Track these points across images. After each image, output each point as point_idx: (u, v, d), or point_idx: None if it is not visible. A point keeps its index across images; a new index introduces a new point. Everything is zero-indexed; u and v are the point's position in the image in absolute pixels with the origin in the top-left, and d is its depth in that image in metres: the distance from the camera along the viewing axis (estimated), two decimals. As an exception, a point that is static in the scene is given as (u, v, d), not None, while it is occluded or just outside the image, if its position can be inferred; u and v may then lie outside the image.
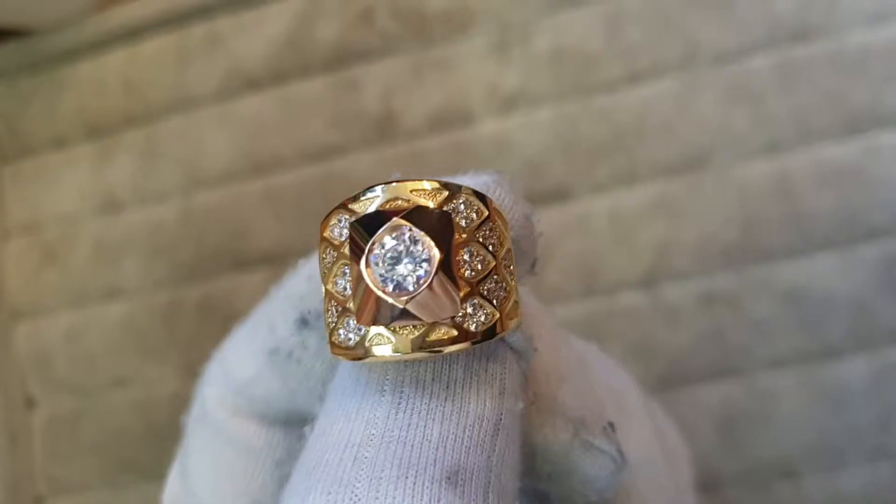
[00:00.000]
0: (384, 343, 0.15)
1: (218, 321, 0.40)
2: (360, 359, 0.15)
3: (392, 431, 0.15)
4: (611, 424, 0.18)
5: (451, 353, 0.15)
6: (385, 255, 0.15)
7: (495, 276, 0.15)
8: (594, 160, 0.38)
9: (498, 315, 0.15)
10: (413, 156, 0.40)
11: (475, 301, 0.15)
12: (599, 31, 0.38)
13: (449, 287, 0.15)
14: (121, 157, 0.43)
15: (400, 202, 0.15)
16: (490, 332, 0.15)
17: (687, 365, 0.37)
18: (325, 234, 0.16)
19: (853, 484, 0.35)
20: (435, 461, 0.14)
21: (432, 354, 0.15)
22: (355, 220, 0.16)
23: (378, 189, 0.16)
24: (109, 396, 0.42)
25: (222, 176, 0.41)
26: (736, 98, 0.37)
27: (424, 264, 0.15)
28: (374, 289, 0.15)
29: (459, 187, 0.15)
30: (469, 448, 0.15)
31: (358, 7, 0.41)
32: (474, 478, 0.15)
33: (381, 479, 0.14)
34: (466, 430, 0.15)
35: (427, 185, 0.15)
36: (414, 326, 0.15)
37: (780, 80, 0.37)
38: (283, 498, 0.15)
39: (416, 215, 0.15)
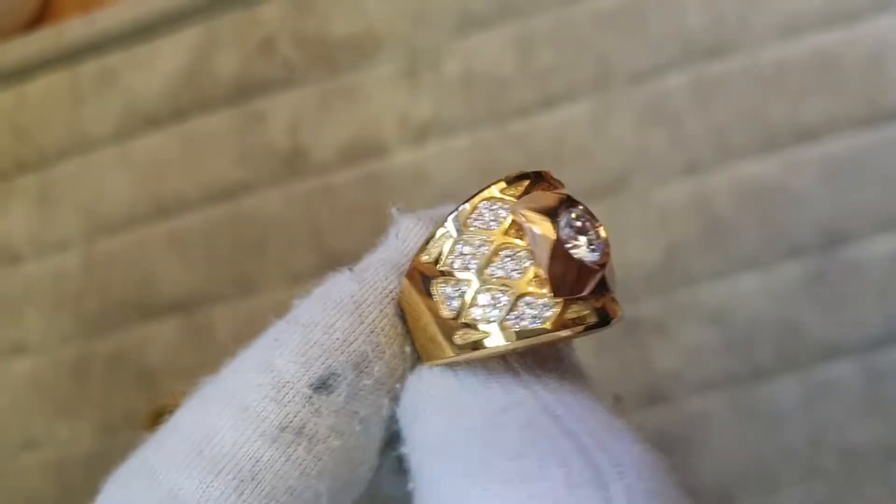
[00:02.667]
0: (591, 316, 0.15)
1: (129, 374, 0.38)
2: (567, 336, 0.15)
3: None
4: (617, 396, 0.18)
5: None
6: (569, 230, 0.15)
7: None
8: (512, 188, 0.37)
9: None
10: (325, 191, 0.38)
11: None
12: (510, 55, 0.37)
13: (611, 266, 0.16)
14: (14, 206, 0.40)
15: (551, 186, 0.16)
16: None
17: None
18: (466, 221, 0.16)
19: (788, 505, 0.35)
20: None
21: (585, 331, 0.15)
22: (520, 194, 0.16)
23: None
24: (20, 459, 0.39)
25: (124, 220, 0.39)
26: (652, 119, 0.36)
27: (598, 242, 0.16)
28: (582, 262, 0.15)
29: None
30: None
31: (258, 36, 0.39)
32: None
33: None
34: None
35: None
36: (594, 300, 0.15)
37: (695, 99, 0.36)
38: None
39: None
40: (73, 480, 0.39)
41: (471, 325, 0.15)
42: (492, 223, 0.16)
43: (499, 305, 0.15)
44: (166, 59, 0.39)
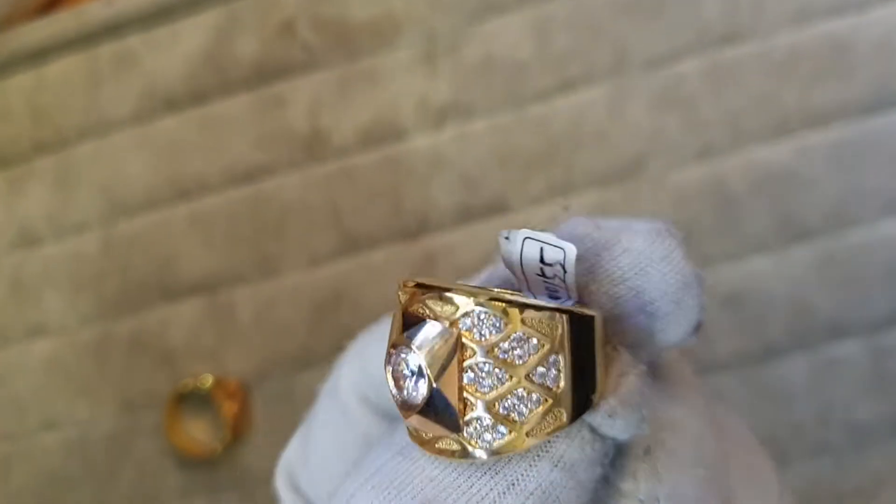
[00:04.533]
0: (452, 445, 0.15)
1: (150, 355, 0.39)
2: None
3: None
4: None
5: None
6: (397, 370, 0.15)
7: (522, 390, 0.15)
8: (530, 171, 0.38)
9: (515, 434, 0.15)
10: (344, 173, 0.39)
11: (484, 420, 0.15)
12: (528, 39, 0.38)
13: (447, 404, 0.15)
14: (33, 188, 0.40)
15: (420, 309, 0.15)
16: (500, 451, 0.15)
17: (632, 373, 0.37)
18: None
19: (797, 480, 0.36)
20: None
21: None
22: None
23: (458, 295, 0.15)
24: (41, 439, 0.40)
25: (144, 202, 0.40)
26: (667, 103, 0.37)
27: (422, 381, 0.15)
28: (396, 396, 0.15)
29: (480, 290, 0.15)
30: None
31: (277, 19, 0.39)
32: None
33: None
34: None
35: (455, 293, 0.15)
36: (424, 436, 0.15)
37: (710, 84, 0.37)
38: None
39: (420, 331, 0.15)
40: (95, 460, 0.39)
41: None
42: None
43: None
44: (186, 41, 0.39)
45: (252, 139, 0.39)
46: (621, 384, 0.16)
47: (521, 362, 0.15)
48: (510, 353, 0.15)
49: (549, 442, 0.15)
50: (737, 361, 0.36)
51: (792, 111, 0.37)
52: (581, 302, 0.16)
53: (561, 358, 0.15)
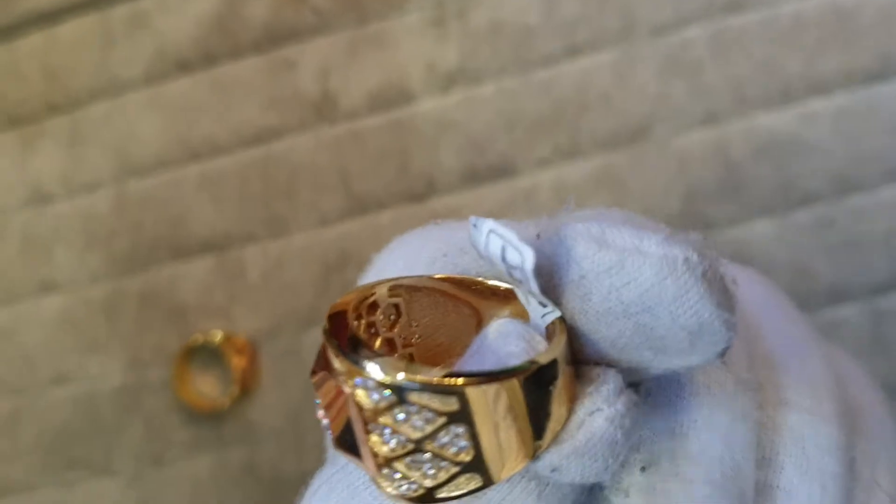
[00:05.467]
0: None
1: (160, 311, 0.40)
2: None
3: None
4: None
5: None
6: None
7: (422, 456, 0.14)
8: (537, 135, 0.38)
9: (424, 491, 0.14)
10: (353, 136, 0.39)
11: (394, 472, 0.14)
12: (536, 4, 0.38)
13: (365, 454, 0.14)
14: (45, 146, 0.41)
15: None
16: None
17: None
18: None
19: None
20: None
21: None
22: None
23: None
24: (50, 394, 0.40)
25: (155, 162, 0.40)
26: (673, 69, 0.37)
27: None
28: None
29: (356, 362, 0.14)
30: None
31: (288, -17, 0.40)
32: None
33: None
34: None
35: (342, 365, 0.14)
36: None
37: (715, 51, 0.37)
38: None
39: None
40: (104, 414, 0.40)
41: None
42: None
43: None
44: (197, 2, 0.40)
45: (262, 101, 0.40)
46: (582, 428, 0.14)
47: (419, 432, 0.14)
48: (408, 421, 0.14)
49: (483, 492, 0.14)
50: (738, 324, 0.37)
51: (796, 78, 0.37)
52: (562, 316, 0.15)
53: (462, 429, 0.14)
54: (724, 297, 0.14)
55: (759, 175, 0.37)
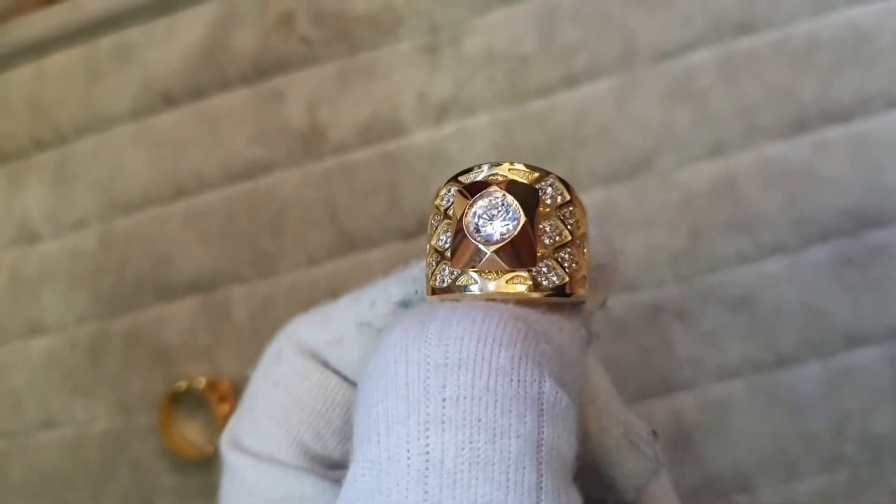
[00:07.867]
0: (472, 283, 0.18)
1: (145, 353, 0.38)
2: (455, 299, 0.18)
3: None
4: (654, 433, 0.22)
5: (523, 301, 0.18)
6: (481, 213, 0.18)
7: (570, 249, 0.18)
8: (533, 168, 0.36)
9: (568, 279, 0.18)
10: (342, 170, 0.37)
11: (550, 263, 0.18)
12: (532, 31, 0.36)
13: (528, 246, 0.18)
14: (31, 183, 0.40)
15: (499, 177, 0.19)
16: (560, 291, 0.18)
17: (636, 380, 0.35)
18: (435, 203, 0.19)
19: (810, 493, 0.34)
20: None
21: (510, 296, 0.18)
22: (461, 188, 0.19)
23: (484, 166, 0.19)
24: (38, 437, 0.40)
25: (142, 199, 0.39)
26: (678, 97, 0.35)
27: (511, 223, 0.18)
28: (470, 238, 0.18)
29: (548, 172, 0.19)
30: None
31: (276, 12, 0.38)
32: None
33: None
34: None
35: (522, 166, 0.19)
36: (497, 273, 0.18)
37: (723, 76, 0.35)
38: None
39: (510, 186, 0.18)
40: (90, 459, 0.39)
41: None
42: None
43: (434, 263, 0.19)
44: (184, 34, 0.39)
45: (250, 134, 0.38)
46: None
47: (573, 228, 0.18)
48: (568, 219, 0.18)
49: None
50: (748, 368, 0.35)
51: (810, 105, 0.35)
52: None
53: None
54: None
55: (770, 209, 0.35)
